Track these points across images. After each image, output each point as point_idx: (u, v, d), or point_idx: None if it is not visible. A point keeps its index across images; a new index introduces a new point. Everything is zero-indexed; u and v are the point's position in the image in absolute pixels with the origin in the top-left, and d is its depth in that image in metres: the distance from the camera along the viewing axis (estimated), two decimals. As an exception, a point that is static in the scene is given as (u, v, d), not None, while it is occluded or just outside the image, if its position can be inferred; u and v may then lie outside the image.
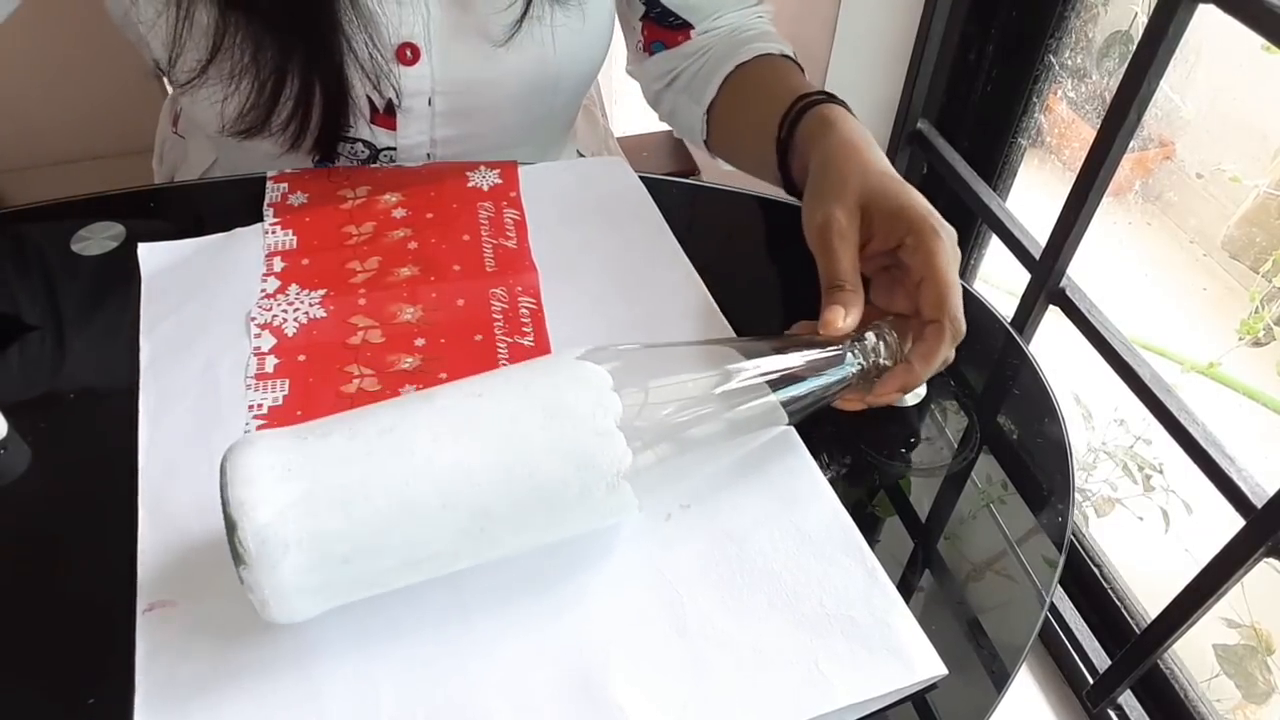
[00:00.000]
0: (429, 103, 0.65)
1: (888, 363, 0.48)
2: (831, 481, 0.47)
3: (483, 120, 0.67)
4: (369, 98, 0.63)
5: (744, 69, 0.68)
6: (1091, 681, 1.05)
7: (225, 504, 0.35)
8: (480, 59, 0.63)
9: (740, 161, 0.70)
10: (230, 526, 0.34)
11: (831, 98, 0.60)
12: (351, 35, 0.59)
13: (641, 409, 0.40)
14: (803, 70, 0.69)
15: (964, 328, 0.48)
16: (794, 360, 0.45)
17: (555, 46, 0.64)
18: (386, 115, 0.64)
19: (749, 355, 0.44)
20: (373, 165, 0.66)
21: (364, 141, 0.66)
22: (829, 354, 0.46)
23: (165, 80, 0.62)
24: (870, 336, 0.48)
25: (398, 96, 0.63)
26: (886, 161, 0.54)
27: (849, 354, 0.47)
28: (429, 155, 0.68)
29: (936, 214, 0.50)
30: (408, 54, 0.62)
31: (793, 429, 0.50)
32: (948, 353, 0.48)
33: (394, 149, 0.67)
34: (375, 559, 0.36)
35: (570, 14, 0.64)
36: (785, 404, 0.45)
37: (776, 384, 0.44)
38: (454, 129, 0.67)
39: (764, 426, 0.46)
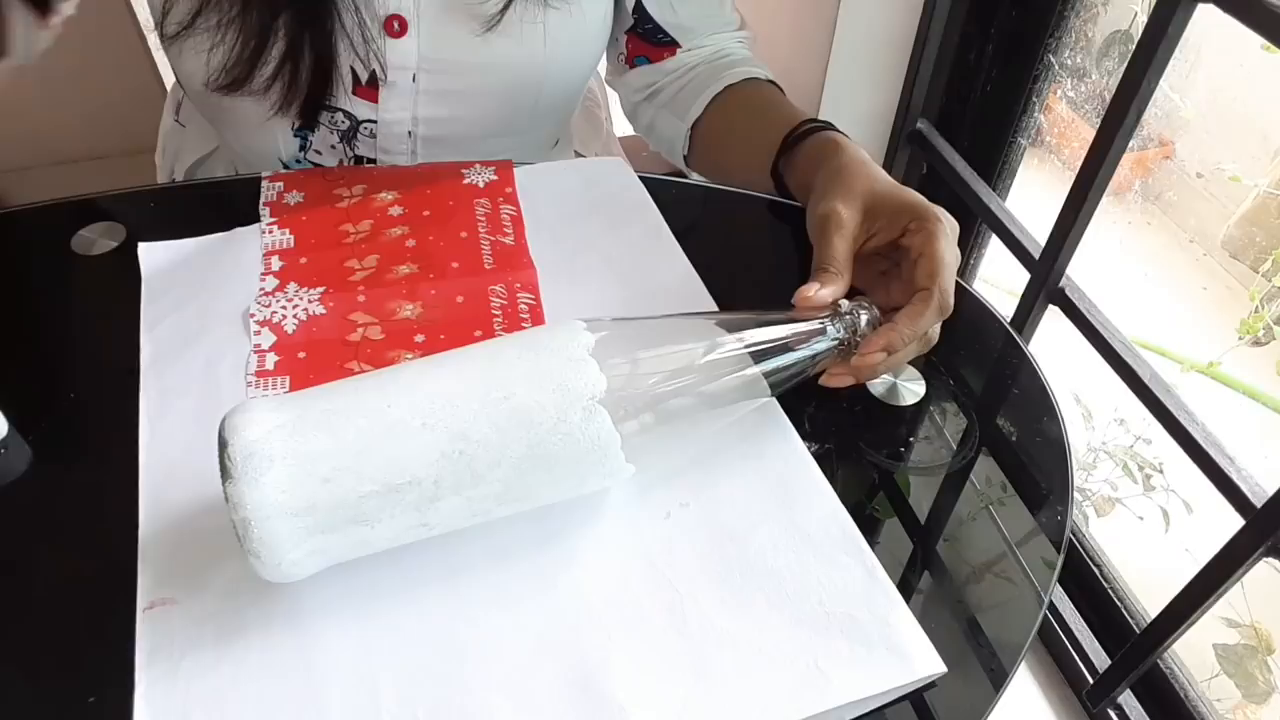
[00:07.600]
0: (413, 79, 0.65)
1: (869, 333, 0.49)
2: (831, 480, 0.47)
3: (467, 104, 0.68)
4: (352, 68, 0.63)
5: (734, 90, 0.71)
6: (1091, 681, 1.05)
7: (220, 430, 0.37)
8: (468, 40, 0.64)
9: (725, 176, 0.71)
10: (222, 446, 0.36)
11: (833, 126, 0.63)
12: (340, 1, 0.59)
13: (628, 378, 0.42)
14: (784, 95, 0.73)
15: (951, 303, 0.50)
16: (775, 332, 0.46)
17: (545, 40, 0.65)
18: (369, 87, 0.65)
19: (731, 328, 0.45)
20: (368, 164, 0.67)
21: (344, 111, 0.66)
22: (810, 326, 0.48)
23: (157, 36, 0.64)
24: (846, 304, 0.49)
25: (382, 69, 0.64)
26: (891, 179, 0.57)
27: (829, 326, 0.48)
28: (410, 134, 0.68)
29: (942, 209, 0.53)
30: (395, 26, 0.62)
31: (793, 429, 0.50)
32: (932, 321, 0.50)
33: (374, 122, 0.67)
34: (356, 481, 0.37)
35: (560, 9, 0.65)
36: (767, 375, 0.46)
37: (758, 355, 0.45)
38: (437, 109, 0.67)
39: (747, 398, 0.47)
